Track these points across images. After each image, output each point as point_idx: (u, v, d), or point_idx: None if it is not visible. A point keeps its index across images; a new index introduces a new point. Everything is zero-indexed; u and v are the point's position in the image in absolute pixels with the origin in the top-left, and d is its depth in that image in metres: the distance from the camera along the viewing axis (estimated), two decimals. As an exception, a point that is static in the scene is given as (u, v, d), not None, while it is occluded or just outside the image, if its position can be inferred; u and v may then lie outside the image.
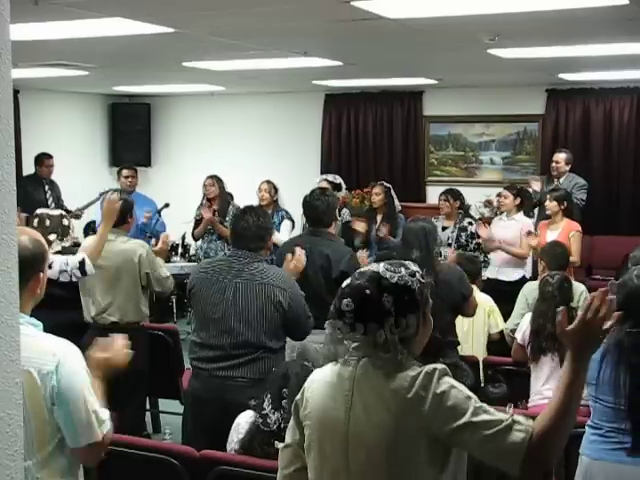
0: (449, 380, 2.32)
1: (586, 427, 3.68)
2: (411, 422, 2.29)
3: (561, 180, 8.85)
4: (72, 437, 2.77)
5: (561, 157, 8.95)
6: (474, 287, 5.75)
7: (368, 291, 2.37)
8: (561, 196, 7.78)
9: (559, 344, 4.95)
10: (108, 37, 6.32)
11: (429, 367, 2.34)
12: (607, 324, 2.27)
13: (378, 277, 2.39)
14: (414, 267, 2.45)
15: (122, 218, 5.75)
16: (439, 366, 2.35)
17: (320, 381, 2.49)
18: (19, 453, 1.80)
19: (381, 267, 2.42)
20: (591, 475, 3.55)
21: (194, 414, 4.72)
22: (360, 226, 8.76)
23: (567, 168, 8.91)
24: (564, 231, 7.53)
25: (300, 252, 5.12)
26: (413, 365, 2.37)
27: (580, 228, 7.63)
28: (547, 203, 7.75)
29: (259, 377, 4.44)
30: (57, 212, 5.82)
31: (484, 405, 2.29)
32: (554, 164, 8.97)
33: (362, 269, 2.48)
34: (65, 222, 5.63)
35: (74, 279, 5.26)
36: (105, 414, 2.83)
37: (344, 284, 2.46)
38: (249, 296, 4.50)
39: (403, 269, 2.41)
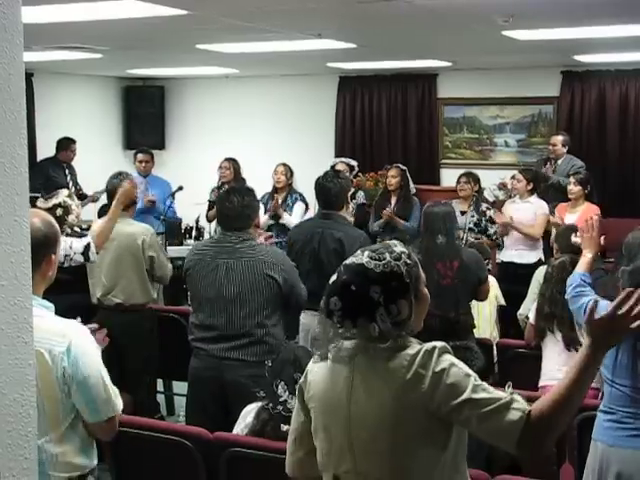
0: (449, 358, 2.32)
1: (598, 413, 3.66)
2: (411, 401, 2.29)
3: (559, 162, 8.88)
4: (93, 413, 2.85)
5: (558, 139, 8.99)
6: None
7: (354, 287, 2.36)
8: (585, 180, 7.76)
9: (559, 324, 4.98)
10: (122, 19, 6.31)
11: (429, 345, 2.34)
12: (636, 323, 2.24)
13: (363, 269, 2.37)
14: (399, 248, 2.43)
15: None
16: (438, 344, 2.34)
17: (321, 364, 2.49)
18: (33, 434, 1.81)
19: (365, 257, 2.40)
20: (608, 462, 3.53)
21: (194, 393, 4.82)
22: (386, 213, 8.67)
23: (564, 150, 8.94)
24: (584, 215, 7.48)
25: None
26: (412, 343, 2.37)
27: (599, 211, 7.59)
28: (570, 187, 7.73)
29: (256, 359, 4.51)
30: (51, 204, 5.67)
31: (483, 383, 2.29)
32: (551, 147, 9.04)
33: (347, 262, 2.45)
34: (59, 212, 5.38)
35: (73, 264, 5.20)
36: (116, 390, 2.93)
37: (331, 280, 2.44)
38: (242, 274, 4.56)
39: (387, 254, 2.39)
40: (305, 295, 4.78)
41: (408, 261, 2.41)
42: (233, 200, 4.67)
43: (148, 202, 8.69)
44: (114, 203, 5.50)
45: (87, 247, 5.18)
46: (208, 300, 4.65)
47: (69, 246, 5.11)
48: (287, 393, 3.57)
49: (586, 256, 4.19)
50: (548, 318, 5.09)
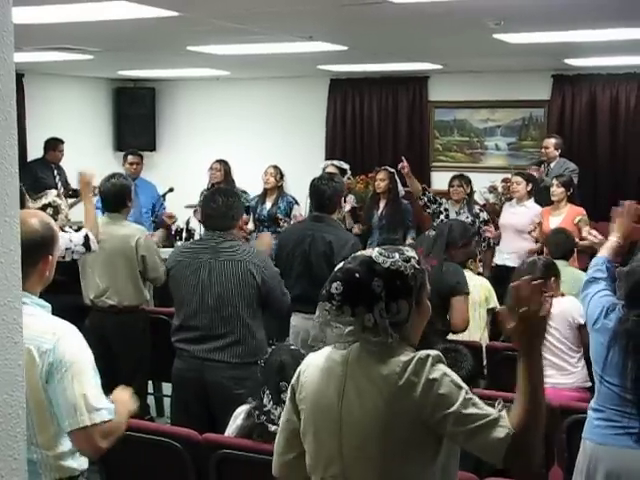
0: (443, 368, 2.32)
1: (589, 411, 3.67)
2: (403, 408, 2.29)
3: (552, 165, 8.89)
4: (60, 419, 2.71)
5: (551, 142, 9.01)
6: (469, 272, 5.75)
7: (358, 275, 2.36)
8: (567, 182, 7.78)
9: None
10: (113, 21, 6.31)
11: (422, 353, 2.33)
12: (545, 308, 2.24)
13: (370, 262, 2.38)
14: (410, 253, 2.43)
15: (121, 202, 5.75)
16: (433, 352, 2.34)
17: (314, 365, 2.49)
18: (22, 434, 1.81)
19: (375, 252, 2.41)
20: (597, 460, 3.54)
21: (177, 394, 4.84)
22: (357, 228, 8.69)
23: (557, 153, 8.96)
24: (568, 217, 7.52)
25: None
26: (406, 350, 2.36)
27: (585, 212, 7.62)
28: (553, 189, 7.74)
29: (238, 361, 4.53)
30: (40, 204, 5.68)
31: (474, 397, 2.28)
32: (543, 149, 9.06)
33: (356, 254, 2.47)
34: (49, 212, 5.36)
35: (76, 256, 5.22)
36: (101, 403, 2.72)
37: (337, 268, 2.45)
38: (223, 274, 4.56)
39: (397, 254, 2.40)
40: (287, 301, 4.76)
41: (417, 266, 2.41)
42: (217, 200, 4.68)
43: (168, 218, 8.68)
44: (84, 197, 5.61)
45: (86, 238, 5.18)
46: (190, 301, 4.65)
47: (69, 239, 5.11)
48: (271, 403, 3.57)
49: (611, 240, 4.05)
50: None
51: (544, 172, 8.81)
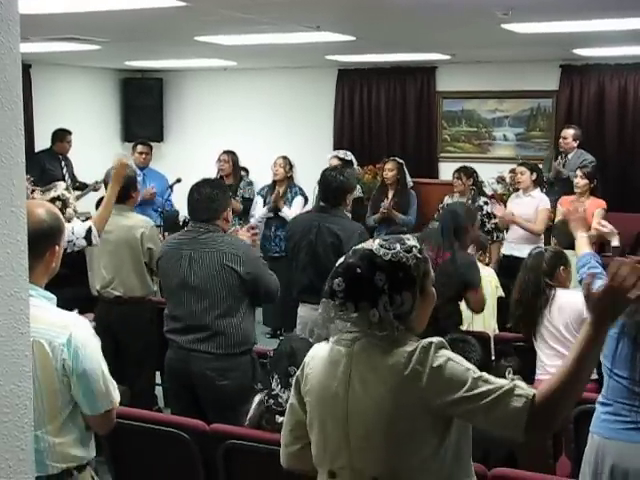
0: (446, 353, 2.31)
1: (596, 404, 3.66)
2: (409, 397, 2.28)
3: (569, 156, 8.85)
4: (91, 405, 2.84)
5: (569, 133, 8.95)
6: (479, 263, 5.74)
7: (359, 270, 2.35)
8: (592, 173, 7.74)
9: (525, 314, 4.98)
10: (120, 11, 6.30)
11: (425, 341, 2.32)
12: (634, 292, 2.21)
13: (371, 255, 2.36)
14: (411, 242, 2.41)
15: (126, 193, 5.73)
16: (435, 339, 2.33)
17: (319, 357, 2.48)
18: (29, 425, 1.81)
19: (375, 244, 2.39)
20: (603, 454, 3.53)
21: (168, 383, 4.96)
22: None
23: (575, 144, 8.90)
24: (589, 209, 7.47)
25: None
26: (410, 340, 2.35)
27: (605, 205, 7.56)
28: (577, 180, 7.70)
29: (222, 352, 4.54)
30: (49, 197, 5.66)
31: (484, 374, 2.28)
32: (562, 140, 9.01)
33: (356, 247, 2.45)
34: (57, 205, 5.35)
35: (76, 249, 5.20)
36: (114, 383, 2.92)
37: (338, 263, 2.43)
38: (203, 265, 4.55)
39: (399, 245, 2.38)
40: (275, 284, 4.69)
41: (419, 255, 2.39)
42: (202, 192, 4.67)
43: (149, 194, 8.67)
44: (110, 185, 5.40)
45: (89, 231, 5.14)
46: (174, 291, 4.68)
47: (71, 231, 5.09)
48: (279, 387, 3.58)
49: (582, 236, 4.17)
50: (517, 306, 5.08)
51: (561, 163, 8.75)
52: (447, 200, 8.36)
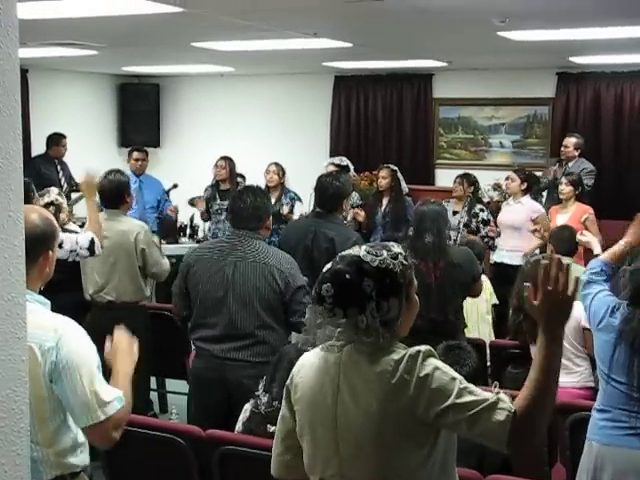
0: (433, 362, 2.31)
1: (593, 411, 3.66)
2: (397, 406, 2.29)
3: (570, 164, 8.84)
4: (73, 416, 2.74)
5: (571, 142, 8.94)
6: None
7: (348, 276, 2.36)
8: (576, 180, 7.79)
9: (525, 319, 4.99)
10: (118, 16, 6.30)
11: (413, 350, 2.33)
12: (570, 289, 2.24)
13: (359, 261, 2.37)
14: (397, 249, 2.43)
15: (119, 198, 5.73)
16: (423, 348, 2.33)
17: (308, 366, 2.49)
18: (25, 430, 1.81)
19: (362, 251, 2.40)
20: (602, 461, 3.53)
21: (196, 394, 4.78)
22: (360, 216, 8.63)
23: (576, 153, 8.89)
24: (575, 215, 7.54)
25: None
26: (397, 348, 2.36)
27: (592, 210, 7.62)
28: (562, 187, 7.74)
29: (259, 360, 4.47)
30: (42, 202, 5.63)
31: (469, 386, 2.29)
32: (563, 148, 8.98)
33: (343, 253, 2.46)
34: (51, 210, 5.29)
35: (78, 259, 5.20)
36: (111, 394, 2.73)
37: (325, 269, 2.44)
38: (247, 275, 4.52)
39: (385, 252, 2.39)
40: (301, 316, 4.69)
41: (405, 262, 2.40)
42: (246, 200, 4.64)
43: (171, 212, 8.79)
44: (85, 201, 5.45)
45: (92, 242, 5.15)
46: (212, 299, 4.59)
47: (75, 242, 5.09)
48: (262, 390, 3.61)
49: (619, 244, 3.96)
50: (514, 312, 5.10)
51: (560, 172, 8.73)
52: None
